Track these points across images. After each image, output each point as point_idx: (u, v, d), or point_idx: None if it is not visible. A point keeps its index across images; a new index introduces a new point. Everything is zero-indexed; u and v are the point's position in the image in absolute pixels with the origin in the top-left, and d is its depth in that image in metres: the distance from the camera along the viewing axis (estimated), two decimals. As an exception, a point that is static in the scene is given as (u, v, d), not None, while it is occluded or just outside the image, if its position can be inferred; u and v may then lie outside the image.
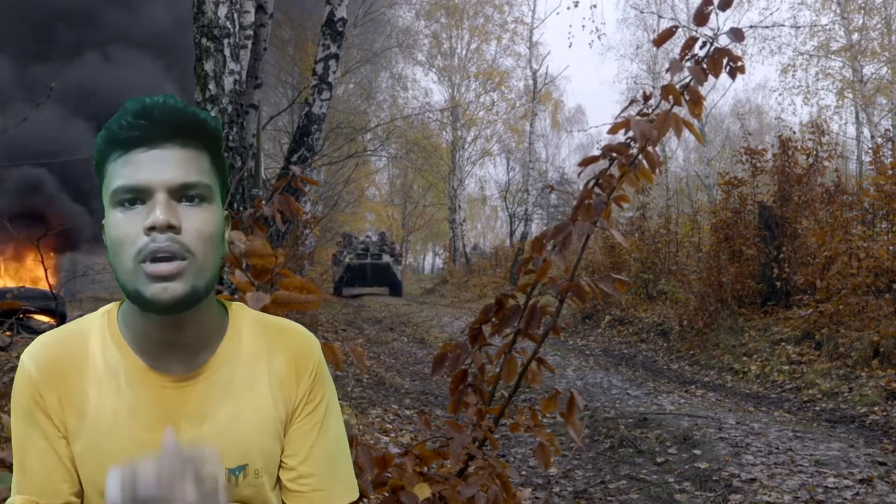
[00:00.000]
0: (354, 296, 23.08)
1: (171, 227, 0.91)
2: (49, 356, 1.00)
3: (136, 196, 0.92)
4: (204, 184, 0.95)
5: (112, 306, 1.05)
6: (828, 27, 18.44)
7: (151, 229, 0.91)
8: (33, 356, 1.00)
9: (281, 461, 1.08)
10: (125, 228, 0.92)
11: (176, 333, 0.98)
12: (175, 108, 0.94)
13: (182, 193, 0.94)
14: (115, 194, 0.93)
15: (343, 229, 26.66)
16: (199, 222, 0.94)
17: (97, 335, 1.02)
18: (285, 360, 1.08)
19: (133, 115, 0.92)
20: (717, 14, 2.05)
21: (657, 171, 2.04)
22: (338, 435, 1.13)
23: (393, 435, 4.95)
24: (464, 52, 25.94)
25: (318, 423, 1.09)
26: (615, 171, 2.07)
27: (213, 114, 3.30)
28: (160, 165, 0.93)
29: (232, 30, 3.43)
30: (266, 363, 1.06)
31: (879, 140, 11.93)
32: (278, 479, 1.09)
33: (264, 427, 1.04)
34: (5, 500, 1.64)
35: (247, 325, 1.08)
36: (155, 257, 0.91)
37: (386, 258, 23.70)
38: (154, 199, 0.92)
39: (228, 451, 1.01)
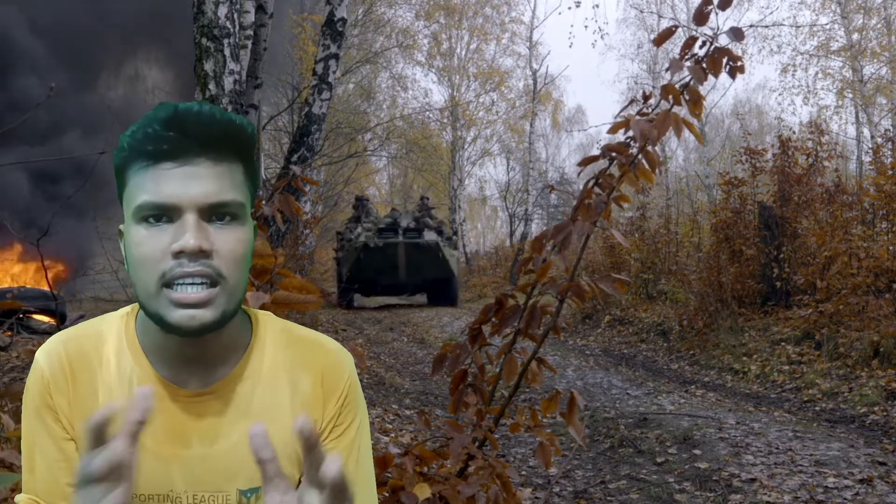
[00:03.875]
0: (377, 307, 14.97)
1: (202, 252, 0.84)
2: (62, 357, 0.95)
3: (163, 213, 0.85)
4: (238, 202, 0.88)
5: (132, 308, 1.00)
6: (828, 27, 18.45)
7: (180, 253, 0.84)
8: (48, 355, 0.96)
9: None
10: (149, 247, 0.85)
11: (196, 350, 0.93)
12: (211, 117, 0.85)
13: (213, 212, 0.86)
14: (139, 209, 0.86)
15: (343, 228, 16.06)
16: (231, 243, 0.87)
17: (114, 338, 0.97)
18: (311, 380, 1.00)
19: (163, 124, 0.84)
20: (716, 13, 2.05)
21: (657, 170, 2.04)
22: (366, 459, 1.05)
23: (393, 435, 4.95)
24: (463, 53, 25.97)
25: (347, 447, 1.01)
26: (615, 170, 2.07)
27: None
28: (191, 182, 0.84)
29: (232, 30, 3.43)
30: (289, 381, 0.99)
31: (879, 140, 11.93)
32: None
33: (282, 449, 0.96)
34: (5, 499, 1.64)
35: (272, 338, 1.01)
36: (182, 282, 0.84)
37: (431, 235, 13.96)
38: (183, 220, 0.84)
39: (240, 473, 0.96)
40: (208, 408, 0.96)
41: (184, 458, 0.95)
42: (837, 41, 18.56)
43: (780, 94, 27.24)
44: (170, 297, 0.85)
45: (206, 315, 0.86)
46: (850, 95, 18.58)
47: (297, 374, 1.00)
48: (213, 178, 0.87)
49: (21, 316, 6.61)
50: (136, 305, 1.00)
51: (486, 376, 2.12)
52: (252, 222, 0.95)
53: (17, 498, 0.97)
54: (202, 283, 0.85)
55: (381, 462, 1.85)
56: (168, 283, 0.85)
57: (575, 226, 1.98)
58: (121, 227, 0.93)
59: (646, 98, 2.10)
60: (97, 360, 0.96)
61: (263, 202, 2.14)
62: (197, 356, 0.95)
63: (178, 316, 0.85)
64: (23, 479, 0.98)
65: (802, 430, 4.88)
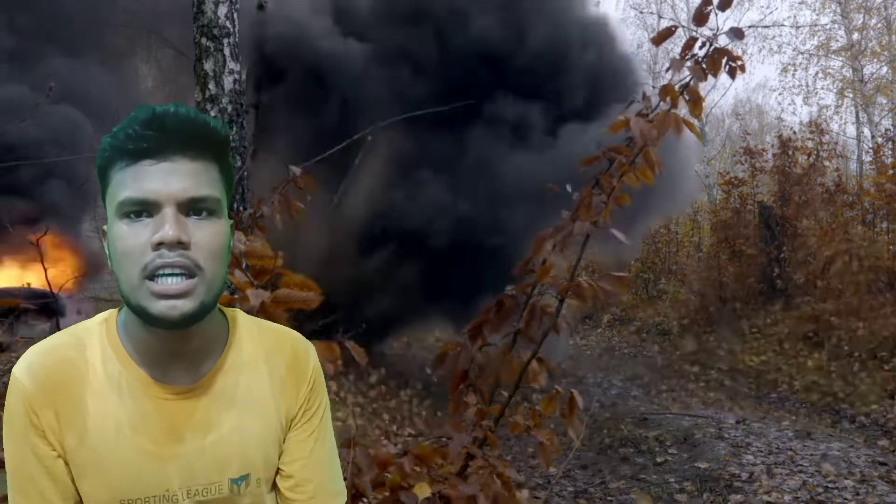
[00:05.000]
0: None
1: (180, 244, 0.88)
2: (44, 368, 0.95)
3: (144, 208, 0.89)
4: (213, 197, 0.92)
5: (110, 314, 1.01)
6: (828, 27, 18.43)
7: (160, 245, 0.88)
8: (27, 369, 0.95)
9: (279, 467, 1.06)
10: (131, 241, 0.89)
11: (180, 345, 0.96)
12: (186, 118, 0.91)
13: (191, 207, 0.91)
14: (121, 206, 0.90)
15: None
16: (208, 236, 0.91)
17: (96, 344, 0.98)
18: (285, 367, 1.06)
19: (142, 124, 0.89)
20: (716, 14, 2.05)
21: (657, 171, 2.04)
22: (332, 440, 1.12)
23: (393, 435, 4.95)
24: (464, 52, 25.94)
25: (315, 429, 1.08)
26: (615, 170, 2.07)
27: (213, 114, 3.30)
28: (169, 178, 0.89)
29: (232, 30, 3.43)
30: (267, 370, 1.05)
31: (879, 140, 11.92)
32: (274, 484, 1.07)
33: (268, 435, 1.03)
34: (6, 500, 1.63)
35: (246, 331, 1.05)
36: (163, 273, 0.88)
37: None
38: (162, 214, 0.89)
39: (232, 462, 0.99)
40: (198, 403, 0.99)
41: (180, 454, 0.97)
42: (837, 41, 18.54)
43: (780, 94, 27.22)
44: (151, 289, 0.88)
45: (186, 305, 0.89)
46: (850, 95, 18.56)
47: (273, 363, 1.05)
48: (190, 175, 0.91)
49: (20, 315, 6.60)
50: (113, 311, 1.02)
51: (486, 376, 2.12)
52: (229, 220, 0.98)
53: None
54: (181, 275, 0.89)
55: (381, 462, 1.85)
56: (150, 275, 0.88)
57: (575, 226, 1.98)
58: (104, 227, 0.96)
59: (645, 98, 2.10)
60: (82, 367, 0.96)
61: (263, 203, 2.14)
62: (182, 352, 0.97)
63: (160, 307, 0.88)
64: (13, 500, 0.97)
65: (802, 429, 4.88)
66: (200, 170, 0.92)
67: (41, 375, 0.95)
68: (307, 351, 1.10)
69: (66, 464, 0.96)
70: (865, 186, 8.83)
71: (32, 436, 0.94)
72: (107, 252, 0.94)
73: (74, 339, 0.99)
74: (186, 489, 0.97)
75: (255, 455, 1.01)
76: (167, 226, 0.88)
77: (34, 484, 0.95)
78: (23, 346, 5.73)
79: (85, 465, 0.95)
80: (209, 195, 0.92)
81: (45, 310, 7.13)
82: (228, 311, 1.07)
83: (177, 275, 0.88)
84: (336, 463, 1.13)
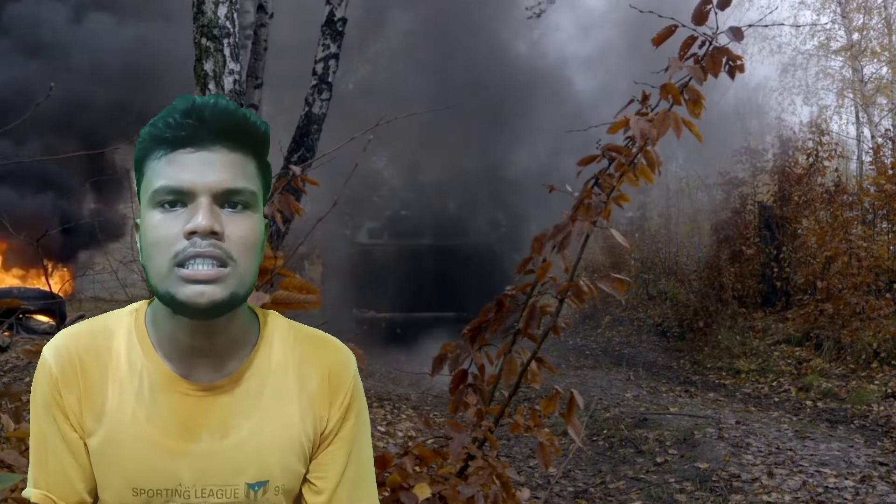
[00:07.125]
0: None
1: (213, 234, 0.87)
2: (71, 353, 0.97)
3: (178, 198, 0.89)
4: (249, 190, 0.92)
5: (141, 305, 1.02)
6: (828, 27, 18.43)
7: (192, 234, 0.87)
8: (55, 351, 0.97)
9: (310, 481, 1.03)
10: (164, 230, 0.88)
11: (206, 340, 0.95)
12: (226, 109, 0.90)
13: (226, 199, 0.90)
14: (155, 194, 0.89)
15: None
16: (242, 230, 0.90)
17: (123, 333, 0.99)
18: (318, 377, 1.02)
19: (182, 113, 0.89)
20: (716, 13, 2.05)
21: (657, 170, 2.04)
22: (368, 456, 1.08)
23: (392, 435, 4.95)
24: (464, 53, 25.93)
25: (352, 444, 1.04)
26: (614, 170, 2.07)
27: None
28: (206, 168, 0.89)
29: (232, 30, 3.43)
30: (296, 377, 1.01)
31: (879, 140, 11.92)
32: (299, 497, 1.04)
33: (290, 444, 1.00)
34: (5, 500, 1.63)
35: (280, 335, 1.03)
36: (194, 260, 0.87)
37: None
38: (197, 203, 0.88)
39: (249, 466, 0.98)
40: (217, 402, 0.97)
41: (192, 452, 0.96)
42: (837, 41, 18.55)
43: (780, 94, 27.17)
44: (181, 274, 0.87)
45: (215, 292, 0.88)
46: (850, 95, 18.56)
47: (306, 371, 1.02)
48: (227, 166, 0.91)
49: (21, 316, 6.60)
50: (144, 302, 1.02)
51: (486, 376, 2.11)
52: (264, 218, 0.97)
53: (27, 492, 0.98)
54: (212, 263, 0.87)
55: (381, 462, 1.85)
56: (180, 262, 0.88)
57: (574, 226, 1.98)
58: (136, 220, 0.95)
59: (645, 98, 2.10)
60: (106, 355, 0.97)
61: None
62: (206, 349, 0.96)
63: (188, 292, 0.87)
64: (31, 473, 0.99)
65: (802, 429, 4.88)
66: (238, 162, 0.92)
67: (66, 360, 0.97)
68: (347, 362, 1.05)
69: (86, 446, 0.97)
70: (865, 186, 8.83)
71: (57, 413, 0.97)
72: (138, 245, 0.94)
73: (104, 326, 1.00)
74: (200, 488, 0.97)
75: (274, 463, 0.99)
76: (200, 215, 0.88)
77: (57, 459, 0.97)
78: (22, 347, 5.72)
79: (101, 451, 0.97)
80: (245, 188, 0.92)
81: (47, 311, 7.14)
82: (263, 312, 1.05)
83: (208, 262, 0.87)
84: (370, 485, 1.08)
